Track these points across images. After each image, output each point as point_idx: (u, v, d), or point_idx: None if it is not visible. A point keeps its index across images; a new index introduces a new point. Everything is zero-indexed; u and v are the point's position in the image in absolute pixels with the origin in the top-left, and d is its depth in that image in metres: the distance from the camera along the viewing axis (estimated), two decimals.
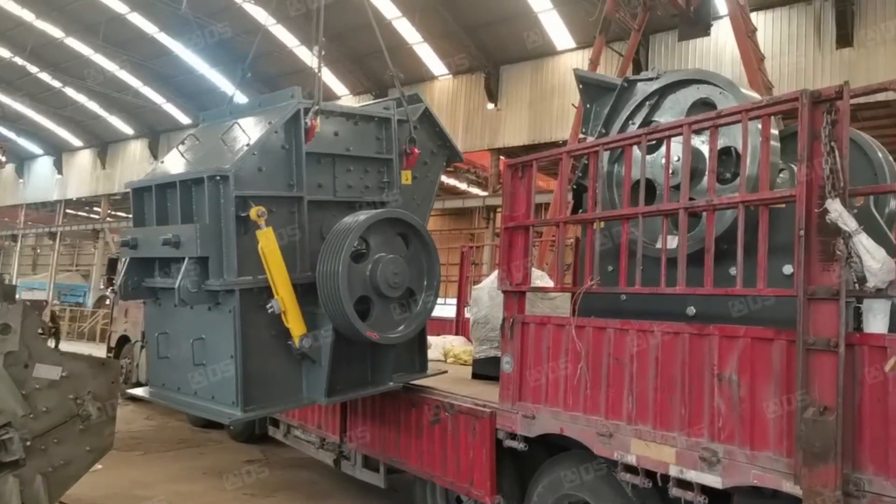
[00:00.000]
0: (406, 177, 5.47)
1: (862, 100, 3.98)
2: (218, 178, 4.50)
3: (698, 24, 14.57)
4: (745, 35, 12.02)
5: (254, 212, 4.47)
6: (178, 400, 5.13)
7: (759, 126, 3.61)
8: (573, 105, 14.90)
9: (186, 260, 4.49)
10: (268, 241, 4.51)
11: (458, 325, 10.39)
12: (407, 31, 21.69)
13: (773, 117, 3.62)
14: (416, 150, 5.46)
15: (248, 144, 4.67)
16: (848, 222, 3.02)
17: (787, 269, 3.69)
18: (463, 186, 30.85)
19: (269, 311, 4.56)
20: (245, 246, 4.54)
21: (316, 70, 5.14)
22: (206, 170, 4.56)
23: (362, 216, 4.83)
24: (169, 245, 4.55)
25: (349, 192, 5.23)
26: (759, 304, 3.79)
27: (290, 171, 4.87)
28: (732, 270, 3.70)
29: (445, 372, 6.44)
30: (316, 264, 4.74)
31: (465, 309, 10.22)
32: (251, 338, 4.63)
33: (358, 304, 4.78)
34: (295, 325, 4.63)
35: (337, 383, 4.98)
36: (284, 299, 4.55)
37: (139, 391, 5.43)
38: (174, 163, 5.22)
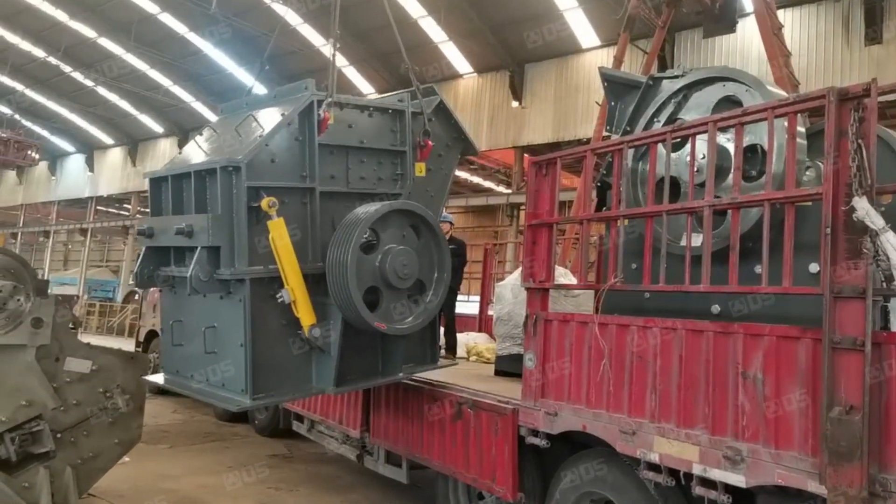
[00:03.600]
0: (420, 169, 5.42)
1: (891, 97, 3.92)
2: (230, 168, 4.53)
3: (723, 21, 14.37)
4: (772, 32, 11.84)
5: (265, 202, 4.49)
6: (191, 387, 5.19)
7: (786, 123, 3.58)
8: (597, 103, 14.81)
9: (199, 249, 4.54)
10: (278, 232, 4.54)
11: (481, 322, 10.42)
12: (432, 29, 21.73)
13: (799, 114, 3.58)
14: (431, 143, 5.42)
15: (261, 136, 4.71)
16: (875, 220, 2.98)
17: (814, 267, 3.65)
18: (489, 185, 30.84)
19: (279, 300, 4.60)
20: (256, 236, 4.58)
21: (331, 61, 5.14)
22: (219, 160, 4.61)
23: (373, 207, 4.84)
24: (182, 234, 4.61)
25: (362, 183, 5.21)
26: (782, 302, 3.75)
27: (303, 162, 4.87)
28: (758, 268, 3.66)
29: (456, 364, 6.39)
30: (326, 256, 4.77)
31: (489, 306, 10.25)
32: (261, 327, 4.67)
33: (367, 294, 4.78)
34: (305, 314, 4.65)
35: (346, 373, 4.99)
36: (294, 289, 4.57)
37: (154, 378, 5.51)
38: (192, 153, 5.30)
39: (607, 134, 5.50)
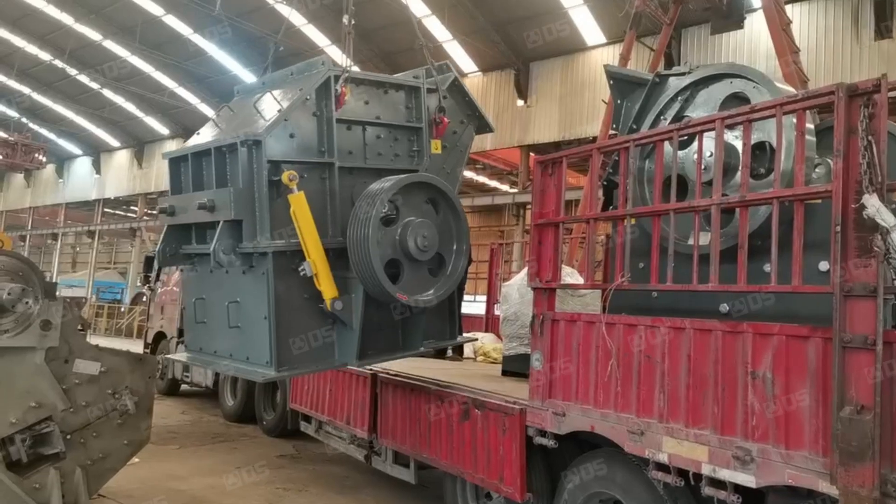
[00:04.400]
0: (436, 146, 5.47)
1: None
2: (251, 142, 4.60)
3: (731, 17, 14.32)
4: (780, 28, 11.79)
5: (285, 176, 4.54)
6: (214, 363, 5.28)
7: (794, 120, 3.55)
8: (603, 101, 14.78)
9: (221, 223, 4.62)
10: (299, 205, 4.59)
11: (488, 322, 10.41)
12: (437, 28, 21.72)
13: (808, 111, 3.56)
14: (446, 119, 5.48)
15: (280, 111, 4.76)
16: (886, 218, 2.95)
17: (823, 265, 3.62)
18: (495, 184, 30.82)
19: (301, 273, 4.65)
20: (278, 210, 4.65)
21: (345, 38, 5.21)
22: (240, 135, 4.67)
23: (392, 180, 4.85)
24: (204, 209, 4.70)
25: (379, 159, 5.27)
26: (790, 301, 3.73)
27: (322, 137, 4.94)
28: (766, 267, 3.64)
29: (476, 339, 6.32)
30: (346, 230, 4.81)
31: (495, 306, 10.24)
32: (284, 300, 4.73)
33: (389, 268, 4.82)
34: (326, 287, 4.69)
35: (368, 347, 5.05)
36: (316, 262, 4.62)
37: (178, 356, 5.57)
38: (209, 134, 5.36)
39: (614, 132, 5.47)
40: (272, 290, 4.65)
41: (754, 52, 16.72)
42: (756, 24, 15.24)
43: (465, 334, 6.14)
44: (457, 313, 5.79)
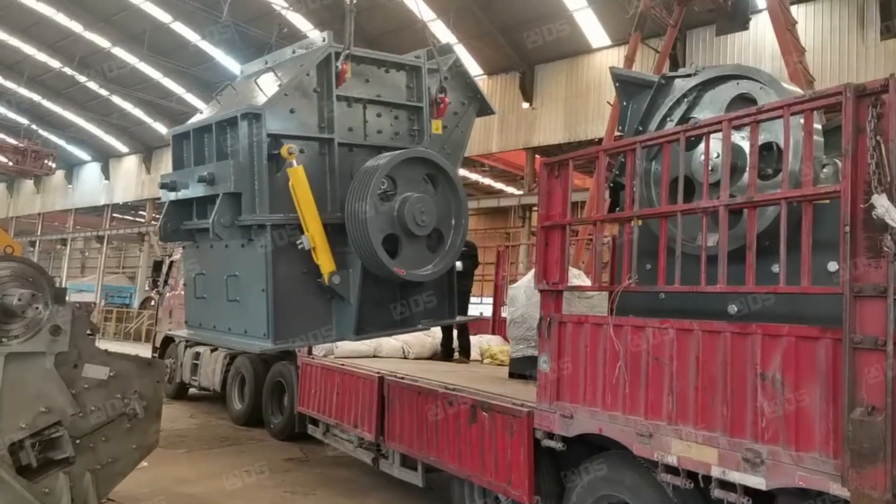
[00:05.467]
0: (436, 126, 5.52)
1: None
2: (251, 116, 4.65)
3: (736, 19, 14.30)
4: (785, 28, 11.76)
5: (284, 150, 4.58)
6: (214, 337, 5.39)
7: (802, 121, 3.53)
8: (609, 103, 14.75)
9: (221, 195, 4.68)
10: (298, 179, 4.63)
11: (495, 325, 10.39)
12: (442, 32, 21.74)
13: (815, 111, 3.54)
14: (447, 100, 5.51)
15: (280, 86, 4.82)
16: (895, 218, 2.94)
17: (832, 266, 3.60)
18: (500, 186, 30.80)
19: (300, 246, 4.69)
20: (277, 184, 4.70)
21: (347, 14, 5.20)
22: (241, 108, 4.73)
23: (389, 156, 4.90)
24: (204, 182, 4.77)
25: (379, 137, 5.29)
26: (798, 301, 3.71)
27: (322, 113, 4.96)
28: (775, 268, 3.62)
29: (478, 317, 6.31)
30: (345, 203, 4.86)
31: (502, 308, 10.23)
32: (282, 273, 4.76)
33: (387, 243, 4.86)
34: (325, 261, 4.74)
35: (366, 322, 5.07)
36: (314, 236, 4.66)
37: (179, 332, 5.64)
38: (211, 111, 5.44)
39: (620, 134, 5.47)
40: (270, 263, 4.70)
41: (760, 53, 16.67)
42: (761, 26, 15.21)
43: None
44: (454, 292, 5.79)
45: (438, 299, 5.61)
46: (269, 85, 4.99)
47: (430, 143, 5.44)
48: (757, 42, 16.79)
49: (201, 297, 5.39)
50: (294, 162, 4.61)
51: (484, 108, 6.06)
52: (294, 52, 5.36)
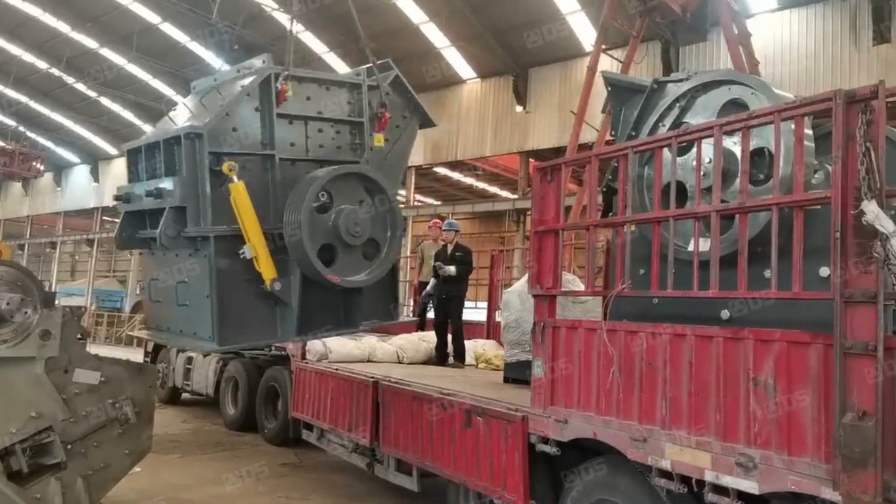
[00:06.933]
0: (378, 139, 5.79)
1: None
2: (193, 136, 4.96)
3: (696, 31, 14.64)
4: (737, 42, 12.29)
5: (225, 166, 4.91)
6: (168, 338, 5.79)
7: (793, 126, 3.56)
8: (572, 112, 15.02)
9: (167, 209, 5.00)
10: (239, 194, 4.95)
11: (489, 329, 10.40)
12: (434, 35, 21.78)
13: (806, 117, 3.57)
14: (387, 114, 5.79)
15: (222, 106, 5.15)
16: (885, 224, 2.96)
17: (824, 271, 3.63)
18: (495, 189, 30.81)
19: (242, 256, 5.01)
20: (220, 197, 5.00)
21: (288, 37, 5.53)
22: (183, 128, 5.06)
23: (325, 171, 5.29)
24: (152, 196, 5.12)
25: (321, 151, 5.60)
26: (790, 306, 3.73)
27: (263, 130, 5.28)
28: (767, 273, 3.64)
29: (417, 319, 6.63)
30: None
31: (496, 313, 10.24)
32: (226, 280, 5.09)
33: (325, 252, 5.24)
34: (266, 269, 5.04)
35: (308, 324, 5.44)
36: (255, 246, 4.98)
37: (139, 333, 5.99)
38: (164, 127, 5.75)
39: (612, 138, 5.49)
40: (214, 271, 5.02)
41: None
42: (754, 30, 15.26)
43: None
44: (397, 295, 6.22)
45: (382, 301, 5.96)
46: (213, 104, 5.33)
47: (371, 155, 5.74)
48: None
49: (157, 300, 5.75)
50: (235, 178, 4.93)
51: (426, 121, 6.38)
52: (239, 71, 5.67)
